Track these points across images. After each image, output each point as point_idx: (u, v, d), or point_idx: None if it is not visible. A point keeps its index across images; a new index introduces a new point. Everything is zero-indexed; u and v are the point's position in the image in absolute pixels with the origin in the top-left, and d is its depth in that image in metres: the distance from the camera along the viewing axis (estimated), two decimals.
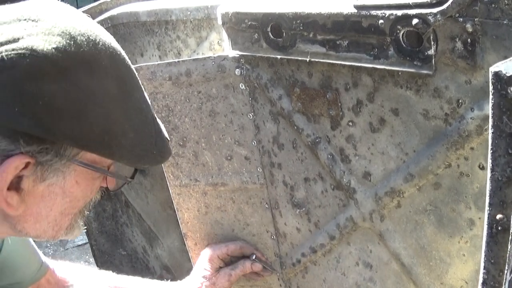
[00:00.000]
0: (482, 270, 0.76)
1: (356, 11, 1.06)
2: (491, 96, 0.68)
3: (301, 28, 1.16)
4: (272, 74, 1.31)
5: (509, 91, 0.66)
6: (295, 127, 1.32)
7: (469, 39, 0.93)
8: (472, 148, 1.03)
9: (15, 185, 0.86)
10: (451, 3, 0.92)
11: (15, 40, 0.79)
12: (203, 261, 1.60)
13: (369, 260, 1.34)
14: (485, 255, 0.75)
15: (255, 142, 1.44)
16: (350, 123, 1.21)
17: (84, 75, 0.82)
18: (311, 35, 1.16)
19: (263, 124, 1.40)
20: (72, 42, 0.82)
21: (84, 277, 1.54)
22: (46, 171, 0.87)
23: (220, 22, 1.35)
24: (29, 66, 0.78)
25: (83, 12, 1.06)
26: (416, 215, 1.18)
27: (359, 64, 1.11)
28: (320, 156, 1.30)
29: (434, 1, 0.94)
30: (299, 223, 1.46)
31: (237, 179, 1.51)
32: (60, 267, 1.49)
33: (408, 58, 1.03)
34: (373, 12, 1.03)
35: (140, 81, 0.96)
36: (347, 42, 1.11)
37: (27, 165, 0.84)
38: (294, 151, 1.37)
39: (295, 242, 1.51)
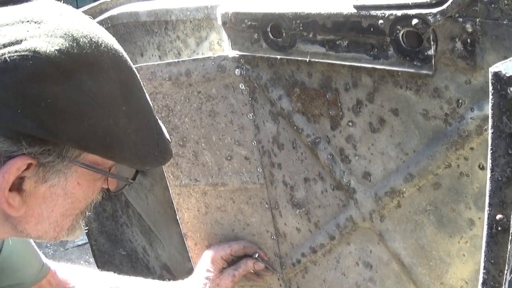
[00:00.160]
0: (482, 270, 0.76)
1: (356, 11, 1.06)
2: (490, 96, 0.68)
3: (301, 28, 1.16)
4: (272, 74, 1.31)
5: (509, 91, 0.66)
6: (295, 127, 1.32)
7: (469, 39, 0.93)
8: (472, 148, 1.03)
9: (17, 186, 0.86)
10: (451, 3, 0.92)
11: (18, 42, 0.79)
12: (205, 262, 1.60)
13: (369, 260, 1.34)
14: (485, 255, 0.75)
15: (255, 142, 1.44)
16: (350, 123, 1.21)
17: (87, 77, 0.82)
18: (311, 35, 1.16)
19: (263, 124, 1.40)
20: (75, 44, 0.82)
21: (85, 278, 1.54)
22: (48, 172, 0.87)
23: (220, 22, 1.35)
24: (32, 68, 0.78)
25: (83, 12, 1.07)
26: (416, 215, 1.18)
27: (359, 64, 1.11)
28: (320, 156, 1.30)
29: (434, 1, 0.94)
30: (299, 223, 1.46)
31: (237, 179, 1.51)
32: (62, 269, 1.49)
33: (408, 58, 1.03)
34: (373, 12, 1.03)
35: (141, 83, 0.96)
36: (347, 42, 1.11)
37: (29, 166, 0.84)
38: (294, 151, 1.37)
39: (295, 242, 1.51)
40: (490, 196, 0.72)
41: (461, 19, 0.93)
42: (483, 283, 0.77)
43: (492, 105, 0.68)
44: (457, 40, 0.95)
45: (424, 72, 1.01)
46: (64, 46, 0.81)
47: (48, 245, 4.38)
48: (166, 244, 2.23)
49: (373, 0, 1.04)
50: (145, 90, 0.96)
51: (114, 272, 1.60)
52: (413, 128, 1.10)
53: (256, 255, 1.58)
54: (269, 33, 1.24)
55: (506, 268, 0.73)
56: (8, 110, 0.79)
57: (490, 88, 0.68)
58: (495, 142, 0.69)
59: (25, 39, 0.79)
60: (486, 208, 0.73)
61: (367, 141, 1.20)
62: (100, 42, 0.86)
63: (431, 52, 0.99)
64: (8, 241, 1.27)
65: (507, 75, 0.66)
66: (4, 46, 0.78)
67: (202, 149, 1.51)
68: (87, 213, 1.02)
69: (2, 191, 0.84)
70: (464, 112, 1.00)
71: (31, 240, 1.39)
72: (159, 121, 0.99)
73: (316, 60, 1.18)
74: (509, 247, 0.71)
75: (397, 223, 1.22)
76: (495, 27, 0.89)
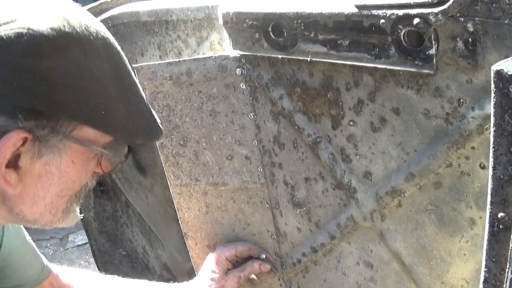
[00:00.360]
0: (483, 269, 0.77)
1: (357, 10, 1.06)
2: (492, 95, 0.69)
3: (302, 27, 1.17)
4: (273, 74, 1.31)
5: (510, 89, 0.66)
6: (296, 127, 1.32)
7: (470, 39, 0.94)
8: (473, 148, 1.03)
9: (13, 164, 0.88)
10: (452, 2, 0.92)
11: (12, 21, 0.83)
12: (210, 263, 1.59)
13: (370, 260, 1.34)
14: (486, 254, 0.75)
15: (255, 141, 1.44)
16: (351, 123, 1.21)
17: (78, 53, 0.86)
18: (312, 35, 1.16)
19: (263, 124, 1.40)
20: (66, 24, 0.86)
21: (88, 282, 1.53)
22: (43, 147, 0.89)
23: (221, 21, 1.35)
24: (27, 43, 0.82)
25: None
26: (417, 214, 1.18)
27: (360, 64, 1.11)
28: (321, 156, 1.30)
29: (435, 1, 0.94)
30: (300, 222, 1.46)
31: (238, 178, 1.51)
32: (64, 272, 1.49)
33: (409, 57, 1.03)
34: (374, 12, 1.03)
35: (130, 67, 0.99)
36: (348, 41, 1.11)
37: (25, 141, 0.86)
38: (295, 151, 1.37)
39: (296, 242, 1.51)
40: (491, 194, 0.72)
41: (462, 19, 0.93)
42: (485, 281, 0.77)
43: (494, 103, 0.69)
44: (458, 39, 0.95)
45: (426, 71, 1.01)
46: (57, 24, 0.85)
47: (48, 245, 4.38)
48: (166, 244, 2.23)
49: (375, 0, 1.04)
50: (134, 75, 1.00)
51: (114, 272, 1.60)
52: (414, 127, 1.10)
53: (264, 256, 1.58)
54: (270, 33, 1.25)
55: (508, 266, 0.73)
56: (4, 84, 0.82)
57: (492, 86, 0.68)
58: (497, 140, 0.69)
59: (20, 18, 0.83)
60: (488, 206, 0.73)
61: (368, 140, 1.20)
62: (89, 24, 0.90)
63: (432, 51, 0.99)
64: (8, 239, 1.27)
65: (509, 73, 0.66)
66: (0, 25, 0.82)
67: (203, 149, 1.51)
68: (81, 197, 1.04)
69: None
70: (465, 111, 1.01)
71: (31, 241, 1.39)
72: (148, 103, 1.02)
73: (317, 59, 1.18)
74: (510, 246, 0.71)
75: (398, 222, 1.22)
76: (497, 26, 0.90)
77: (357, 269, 1.39)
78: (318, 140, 1.29)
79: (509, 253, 0.72)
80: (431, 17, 0.95)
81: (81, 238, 4.36)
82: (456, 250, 1.15)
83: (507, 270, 0.73)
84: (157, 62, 1.43)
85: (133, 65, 1.42)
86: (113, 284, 1.56)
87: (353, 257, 1.38)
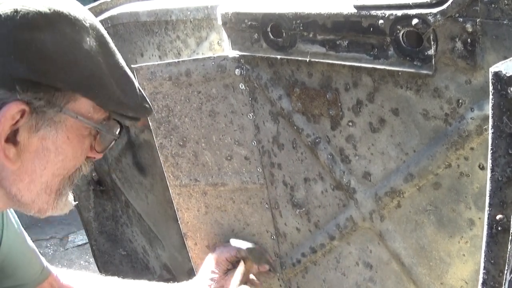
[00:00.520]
0: (482, 270, 0.76)
1: (356, 11, 1.06)
2: (491, 96, 0.68)
3: (301, 28, 1.16)
4: (272, 74, 1.31)
5: (509, 91, 0.66)
6: (295, 127, 1.32)
7: (469, 39, 0.93)
8: (472, 148, 1.03)
9: (12, 139, 0.93)
10: (451, 3, 0.92)
11: (6, 1, 0.90)
12: (210, 263, 1.59)
13: (369, 260, 1.34)
14: (485, 255, 0.75)
15: (255, 142, 1.44)
16: (350, 123, 1.21)
17: (69, 29, 0.94)
18: (311, 35, 1.16)
19: (263, 124, 1.40)
20: (56, 5, 0.93)
21: (88, 284, 1.53)
22: (40, 120, 0.94)
23: (220, 22, 1.35)
24: (22, 18, 0.89)
25: None
26: (416, 215, 1.18)
27: (359, 64, 1.11)
28: (320, 156, 1.30)
29: (434, 1, 0.94)
30: (299, 223, 1.46)
31: (237, 179, 1.51)
32: (65, 274, 1.49)
33: (408, 58, 1.02)
34: (373, 12, 1.03)
35: (116, 50, 1.06)
36: (347, 42, 1.11)
37: (22, 114, 0.91)
38: (294, 151, 1.37)
39: (295, 242, 1.51)
40: (490, 196, 0.72)
41: (461, 19, 0.93)
42: (483, 283, 0.77)
43: (493, 105, 0.68)
44: (457, 40, 0.95)
45: (424, 72, 1.01)
46: (48, 4, 0.92)
47: (48, 245, 4.38)
48: (166, 244, 2.23)
49: (373, 0, 1.04)
50: (118, 53, 1.07)
51: (114, 272, 1.60)
52: (413, 128, 1.10)
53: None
54: (269, 33, 1.24)
55: (506, 268, 0.73)
56: (2, 57, 0.88)
57: (491, 88, 0.68)
58: (495, 142, 0.69)
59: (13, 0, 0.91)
60: (486, 208, 0.73)
61: (367, 141, 1.19)
62: (77, 9, 0.98)
63: (431, 52, 0.99)
64: (7, 237, 1.27)
65: (508, 75, 0.66)
66: None
67: (202, 149, 1.51)
68: (74, 181, 1.08)
69: None
70: (464, 112, 1.00)
71: (31, 241, 1.40)
72: (136, 81, 1.08)
73: (316, 60, 1.18)
74: (509, 247, 0.71)
75: (397, 223, 1.22)
76: (495, 27, 0.89)
77: (356, 270, 1.38)
78: (317, 140, 1.29)
79: (507, 255, 0.72)
80: (430, 17, 0.95)
81: (81, 238, 4.36)
82: (455, 251, 1.15)
83: (505, 272, 0.73)
84: (156, 63, 1.43)
85: (133, 66, 1.43)
86: (113, 285, 1.56)
87: (352, 257, 1.38)
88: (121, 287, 1.58)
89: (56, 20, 0.92)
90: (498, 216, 0.71)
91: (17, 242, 1.33)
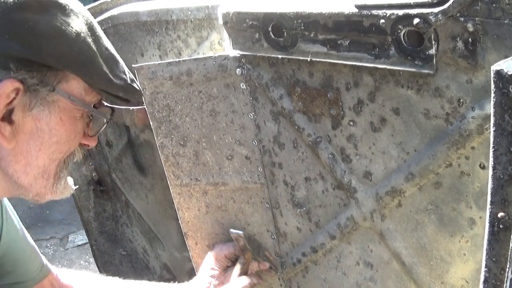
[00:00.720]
0: (483, 268, 0.77)
1: (357, 10, 1.06)
2: (492, 95, 0.69)
3: (302, 27, 1.17)
4: (273, 74, 1.31)
5: (510, 89, 0.66)
6: (296, 127, 1.32)
7: (470, 39, 0.94)
8: (473, 148, 1.03)
9: (7, 118, 0.97)
10: (452, 2, 0.92)
11: None
12: (210, 261, 1.59)
13: (370, 260, 1.34)
14: (486, 253, 0.75)
15: (255, 141, 1.44)
16: (351, 123, 1.21)
17: (60, 11, 0.99)
18: (312, 35, 1.16)
19: (263, 124, 1.40)
20: None
21: (89, 283, 1.53)
22: (34, 99, 0.99)
23: (221, 21, 1.35)
24: (16, 1, 0.94)
25: None
26: (417, 214, 1.18)
27: (360, 64, 1.11)
28: (321, 156, 1.30)
29: (435, 1, 0.95)
30: (300, 222, 1.46)
31: (238, 178, 1.51)
32: (65, 274, 1.49)
33: (409, 57, 1.03)
34: (374, 12, 1.03)
35: (105, 36, 1.11)
36: (348, 41, 1.11)
37: (17, 92, 0.96)
38: (295, 151, 1.37)
39: (296, 242, 1.51)
40: (491, 194, 0.72)
41: (462, 19, 0.93)
42: (485, 281, 0.77)
43: (494, 103, 0.69)
44: (458, 39, 0.95)
45: (425, 71, 1.02)
46: None
47: (48, 245, 4.38)
48: (166, 244, 2.23)
49: (375, 0, 1.04)
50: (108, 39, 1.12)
51: (114, 272, 1.60)
52: (414, 127, 1.10)
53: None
54: (270, 33, 1.25)
55: (508, 266, 0.73)
56: None
57: (492, 86, 0.68)
58: (497, 140, 0.69)
59: None
60: (488, 206, 0.73)
61: (368, 140, 1.20)
62: None
63: (432, 51, 0.99)
64: (7, 233, 1.27)
65: (509, 73, 0.66)
66: None
67: (203, 149, 1.51)
68: (69, 164, 1.11)
69: None
70: (465, 111, 1.01)
71: (30, 239, 1.40)
72: (124, 65, 1.13)
73: (317, 59, 1.18)
74: (510, 245, 0.71)
75: (398, 222, 1.23)
76: (496, 26, 0.90)
77: (357, 269, 1.39)
78: (318, 140, 1.29)
79: (509, 252, 0.72)
80: (431, 17, 0.95)
81: (81, 238, 4.36)
82: (456, 250, 1.15)
83: (507, 269, 0.73)
84: (157, 62, 1.43)
85: (133, 65, 1.43)
86: (113, 285, 1.57)
87: (353, 257, 1.38)
88: (121, 287, 1.58)
89: (48, 5, 0.97)
90: (500, 214, 0.72)
91: (16, 238, 1.33)
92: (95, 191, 2.41)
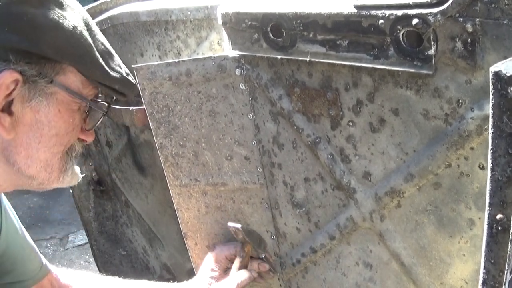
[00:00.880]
0: (482, 270, 0.77)
1: (356, 11, 1.06)
2: (491, 96, 0.69)
3: (301, 28, 1.16)
4: (272, 74, 1.31)
5: (509, 91, 0.66)
6: (295, 127, 1.32)
7: (469, 39, 0.93)
8: (472, 148, 1.03)
9: (7, 110, 1.00)
10: (451, 3, 0.92)
11: None
12: (210, 261, 1.59)
13: (369, 260, 1.34)
14: (485, 255, 0.75)
15: (255, 142, 1.44)
16: (350, 123, 1.21)
17: (58, 7, 1.02)
18: (311, 35, 1.16)
19: (263, 124, 1.40)
20: None
21: (89, 283, 1.54)
22: (32, 90, 1.01)
23: (220, 22, 1.35)
24: None
25: None
26: (416, 215, 1.18)
27: (359, 64, 1.11)
28: (320, 156, 1.30)
29: (434, 1, 0.94)
30: (299, 223, 1.46)
31: (237, 179, 1.51)
32: (64, 274, 1.49)
33: (408, 58, 1.03)
34: (373, 12, 1.03)
35: (100, 32, 1.14)
36: (347, 42, 1.11)
37: (16, 84, 0.98)
38: (294, 151, 1.37)
39: (295, 242, 1.51)
40: (490, 196, 0.72)
41: (461, 19, 0.93)
42: (483, 283, 0.77)
43: (493, 105, 0.68)
44: (457, 40, 0.95)
45: (425, 72, 1.01)
46: None
47: (48, 245, 4.39)
48: (166, 244, 2.23)
49: (374, 0, 1.04)
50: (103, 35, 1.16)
51: (114, 272, 1.60)
52: (413, 128, 1.10)
53: (263, 256, 1.58)
54: (270, 33, 1.24)
55: (506, 268, 0.73)
56: None
57: (491, 87, 0.68)
58: (496, 141, 0.69)
59: None
60: (487, 207, 0.73)
61: (367, 141, 1.20)
62: None
63: (431, 52, 0.99)
64: (6, 232, 1.27)
65: (508, 74, 0.66)
66: None
67: (202, 149, 1.51)
68: (73, 156, 1.14)
69: None
70: (464, 112, 1.00)
71: (30, 238, 1.40)
72: (120, 61, 1.16)
73: (317, 60, 1.18)
74: (509, 247, 0.71)
75: (397, 223, 1.22)
76: (496, 27, 0.89)
77: (356, 270, 1.38)
78: (317, 140, 1.29)
79: (507, 254, 0.72)
80: (430, 17, 0.95)
81: (81, 238, 4.37)
82: (456, 251, 1.15)
83: (505, 271, 0.73)
84: (156, 63, 1.43)
85: (133, 66, 1.43)
86: (113, 285, 1.57)
87: (352, 257, 1.38)
88: (121, 287, 1.58)
89: (46, 0, 1.01)
90: (498, 216, 0.71)
91: (16, 237, 1.34)
92: (95, 191, 2.41)
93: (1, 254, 1.29)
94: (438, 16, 0.94)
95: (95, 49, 1.07)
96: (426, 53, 1.00)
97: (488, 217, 0.73)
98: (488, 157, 0.72)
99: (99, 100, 1.15)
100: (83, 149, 1.20)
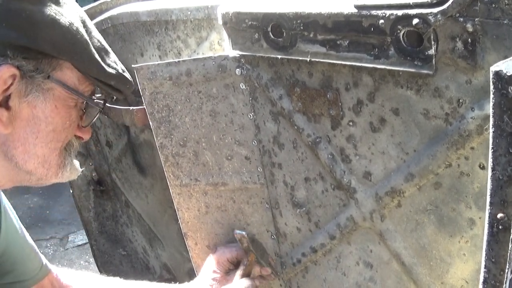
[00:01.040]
0: (483, 269, 0.77)
1: (356, 11, 1.06)
2: (491, 95, 0.69)
3: (302, 28, 1.17)
4: (273, 74, 1.31)
5: (509, 90, 0.66)
6: (296, 127, 1.32)
7: (469, 39, 0.93)
8: (472, 148, 1.03)
9: (5, 105, 1.01)
10: (452, 3, 0.92)
11: None
12: (212, 263, 1.59)
13: (370, 260, 1.34)
14: (486, 254, 0.75)
15: (255, 142, 1.44)
16: (351, 123, 1.21)
17: (54, 4, 1.04)
18: (311, 35, 1.16)
19: (263, 124, 1.40)
20: None
21: (89, 284, 1.54)
22: (29, 85, 1.03)
23: (220, 22, 1.35)
24: None
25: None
26: (416, 214, 1.18)
27: (360, 64, 1.11)
28: (320, 156, 1.30)
29: (435, 1, 0.94)
30: (300, 223, 1.46)
31: (238, 179, 1.51)
32: (65, 274, 1.49)
33: (408, 58, 1.03)
34: (374, 12, 1.03)
35: (96, 29, 1.15)
36: (347, 42, 1.11)
37: (14, 78, 1.00)
38: (295, 151, 1.37)
39: (296, 242, 1.51)
40: (491, 195, 0.72)
41: (461, 19, 0.93)
42: (484, 282, 0.77)
43: (493, 104, 0.69)
44: (457, 39, 0.95)
45: (425, 71, 1.01)
46: None
47: (48, 245, 4.38)
48: (166, 244, 2.23)
49: (374, 0, 1.04)
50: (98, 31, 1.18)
51: (114, 272, 1.60)
52: (414, 127, 1.10)
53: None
54: (270, 33, 1.25)
55: (507, 267, 0.73)
56: None
57: (491, 87, 0.68)
58: (496, 141, 0.69)
59: None
60: (487, 207, 0.73)
61: (368, 140, 1.20)
62: None
63: (431, 51, 0.99)
64: (6, 231, 1.28)
65: (508, 74, 0.66)
66: None
67: (203, 149, 1.51)
68: (71, 151, 1.15)
69: None
70: (465, 112, 1.01)
71: (30, 238, 1.40)
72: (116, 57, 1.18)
73: (317, 60, 1.18)
74: (510, 246, 0.71)
75: (398, 222, 1.22)
76: (496, 26, 0.90)
77: (357, 269, 1.39)
78: (317, 140, 1.29)
79: (508, 253, 0.72)
80: (430, 17, 0.95)
81: (81, 238, 4.37)
82: (456, 251, 1.15)
83: (506, 270, 0.73)
84: (156, 62, 1.43)
85: (133, 65, 1.43)
86: (114, 286, 1.57)
87: (353, 257, 1.38)
88: (121, 287, 1.58)
89: None
90: (499, 215, 0.72)
91: (15, 237, 1.34)
92: (95, 191, 2.42)
93: (1, 254, 1.29)
94: (438, 16, 0.94)
95: (91, 45, 1.09)
96: (427, 53, 1.00)
97: (489, 216, 0.73)
98: (488, 156, 0.72)
99: (96, 97, 1.17)
100: (81, 146, 1.21)
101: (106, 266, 2.55)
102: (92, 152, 2.30)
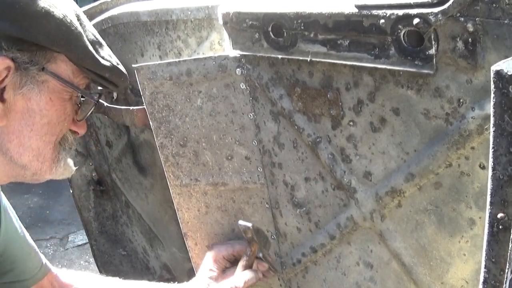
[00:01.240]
0: (483, 269, 0.77)
1: (357, 10, 1.06)
2: (492, 95, 0.69)
3: (302, 27, 1.17)
4: (273, 74, 1.31)
5: (510, 89, 0.66)
6: (296, 127, 1.32)
7: (470, 39, 0.93)
8: (472, 148, 1.03)
9: (0, 97, 1.01)
10: (452, 2, 0.92)
11: None
12: (208, 262, 1.59)
13: (370, 260, 1.34)
14: (486, 254, 0.75)
15: (255, 141, 1.44)
16: (351, 123, 1.21)
17: None
18: (312, 35, 1.16)
19: (263, 124, 1.40)
20: None
21: (89, 283, 1.54)
22: (24, 77, 1.03)
23: (221, 21, 1.35)
24: None
25: (83, 12, 1.14)
26: (416, 214, 1.18)
27: (360, 64, 1.11)
28: (320, 156, 1.30)
29: (435, 1, 0.94)
30: (300, 223, 1.46)
31: (238, 179, 1.51)
32: (65, 274, 1.49)
33: (409, 57, 1.03)
34: (374, 12, 1.03)
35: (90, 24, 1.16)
36: (348, 41, 1.11)
37: (9, 70, 1.00)
38: (295, 151, 1.37)
39: (296, 242, 1.51)
40: (491, 194, 0.72)
41: (462, 19, 0.93)
42: (484, 282, 0.77)
43: (494, 104, 0.69)
44: (458, 39, 0.95)
45: (425, 71, 1.01)
46: None
47: (48, 245, 4.38)
48: (166, 244, 2.23)
49: (375, 0, 1.04)
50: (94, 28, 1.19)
51: (114, 272, 1.60)
52: (414, 127, 1.10)
53: (260, 254, 1.57)
54: (270, 33, 1.25)
55: (507, 266, 0.73)
56: None
57: (492, 86, 0.68)
58: (497, 140, 0.69)
59: None
60: (488, 206, 0.73)
61: (368, 140, 1.20)
62: None
63: (432, 51, 0.99)
64: (5, 231, 1.28)
65: (509, 73, 0.66)
66: None
67: (203, 149, 1.51)
68: (66, 146, 1.15)
69: None
70: (465, 112, 1.01)
71: (30, 238, 1.40)
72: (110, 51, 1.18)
73: (317, 59, 1.18)
74: (510, 246, 0.71)
75: (398, 222, 1.22)
76: (496, 26, 0.90)
77: (357, 269, 1.38)
78: (318, 140, 1.29)
79: (508, 253, 0.72)
80: (431, 17, 0.95)
81: (81, 238, 4.37)
82: (456, 251, 1.15)
83: (506, 270, 0.73)
84: (157, 62, 1.43)
85: (133, 65, 1.43)
86: (114, 286, 1.56)
87: (353, 257, 1.38)
88: (121, 287, 1.58)
89: None
90: (499, 215, 0.72)
91: (15, 236, 1.34)
92: (95, 191, 2.41)
93: (1, 253, 1.29)
94: (439, 15, 0.94)
95: (85, 38, 1.09)
96: (427, 53, 1.00)
97: (489, 216, 0.73)
98: (488, 156, 0.72)
99: (90, 88, 1.17)
100: (81, 146, 1.22)
101: (106, 266, 2.55)
102: (92, 152, 2.30)
